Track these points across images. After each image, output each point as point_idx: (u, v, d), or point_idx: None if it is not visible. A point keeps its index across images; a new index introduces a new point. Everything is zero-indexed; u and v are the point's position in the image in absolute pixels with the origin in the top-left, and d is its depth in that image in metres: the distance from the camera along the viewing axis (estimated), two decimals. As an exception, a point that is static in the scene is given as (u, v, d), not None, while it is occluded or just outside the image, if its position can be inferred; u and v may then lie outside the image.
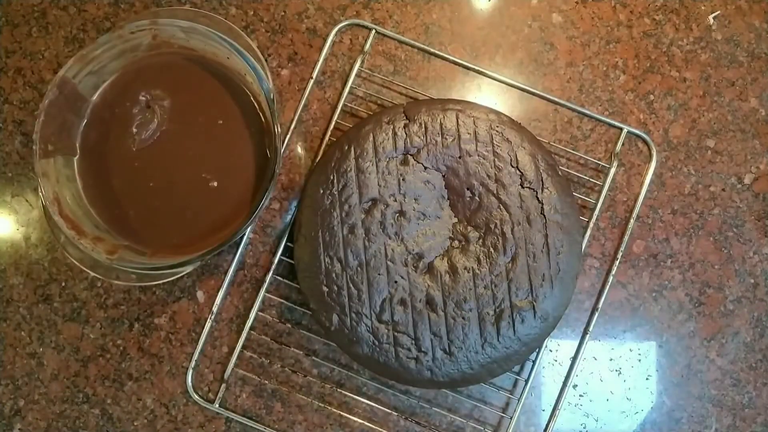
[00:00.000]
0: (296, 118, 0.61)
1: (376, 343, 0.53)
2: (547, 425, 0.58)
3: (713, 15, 0.64)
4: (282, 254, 0.60)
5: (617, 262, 0.60)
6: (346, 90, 0.61)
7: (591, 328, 0.59)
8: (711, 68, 0.63)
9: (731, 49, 0.64)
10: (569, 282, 0.54)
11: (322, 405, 0.59)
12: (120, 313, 0.61)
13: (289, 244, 0.60)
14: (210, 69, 0.57)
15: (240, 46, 0.53)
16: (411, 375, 0.53)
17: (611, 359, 0.61)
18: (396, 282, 0.53)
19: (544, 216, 0.54)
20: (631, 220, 0.60)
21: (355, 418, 0.59)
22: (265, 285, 0.59)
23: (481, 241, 0.54)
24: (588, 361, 0.60)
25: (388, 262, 0.54)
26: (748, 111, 0.63)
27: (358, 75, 0.62)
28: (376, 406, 0.59)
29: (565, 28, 0.64)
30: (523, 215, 0.54)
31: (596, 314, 0.59)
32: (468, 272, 0.53)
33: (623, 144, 0.61)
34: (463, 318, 0.52)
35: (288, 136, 0.61)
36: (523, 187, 0.54)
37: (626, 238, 0.60)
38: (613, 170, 0.60)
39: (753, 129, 0.63)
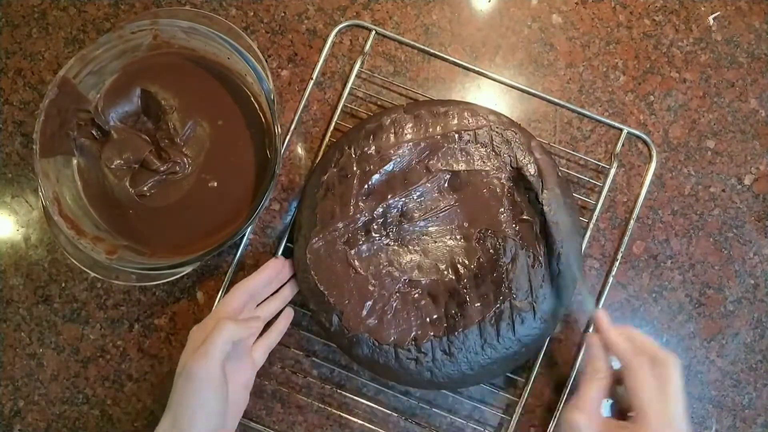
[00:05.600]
0: (296, 118, 0.61)
1: (376, 344, 0.53)
2: (547, 426, 0.58)
3: (713, 16, 0.64)
4: (282, 254, 0.60)
5: (617, 263, 0.60)
6: (346, 91, 0.61)
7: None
8: (711, 69, 0.63)
9: (731, 49, 0.64)
10: (569, 283, 0.54)
11: (322, 406, 0.59)
12: (120, 314, 0.61)
13: (289, 244, 0.59)
14: (210, 69, 0.57)
15: (240, 47, 0.53)
16: (411, 376, 0.53)
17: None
18: (396, 282, 0.53)
19: (544, 217, 0.54)
20: (631, 221, 0.60)
21: (355, 419, 0.59)
22: (265, 286, 0.59)
23: (481, 242, 0.54)
24: (588, 362, 0.60)
25: (389, 263, 0.53)
26: (748, 112, 0.63)
27: (358, 76, 0.62)
28: (376, 407, 0.59)
29: (565, 29, 0.64)
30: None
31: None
32: (468, 272, 0.53)
33: (623, 145, 0.61)
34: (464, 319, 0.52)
35: (288, 137, 0.61)
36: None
37: (626, 238, 0.60)
38: (613, 171, 0.60)
39: (753, 130, 0.63)
